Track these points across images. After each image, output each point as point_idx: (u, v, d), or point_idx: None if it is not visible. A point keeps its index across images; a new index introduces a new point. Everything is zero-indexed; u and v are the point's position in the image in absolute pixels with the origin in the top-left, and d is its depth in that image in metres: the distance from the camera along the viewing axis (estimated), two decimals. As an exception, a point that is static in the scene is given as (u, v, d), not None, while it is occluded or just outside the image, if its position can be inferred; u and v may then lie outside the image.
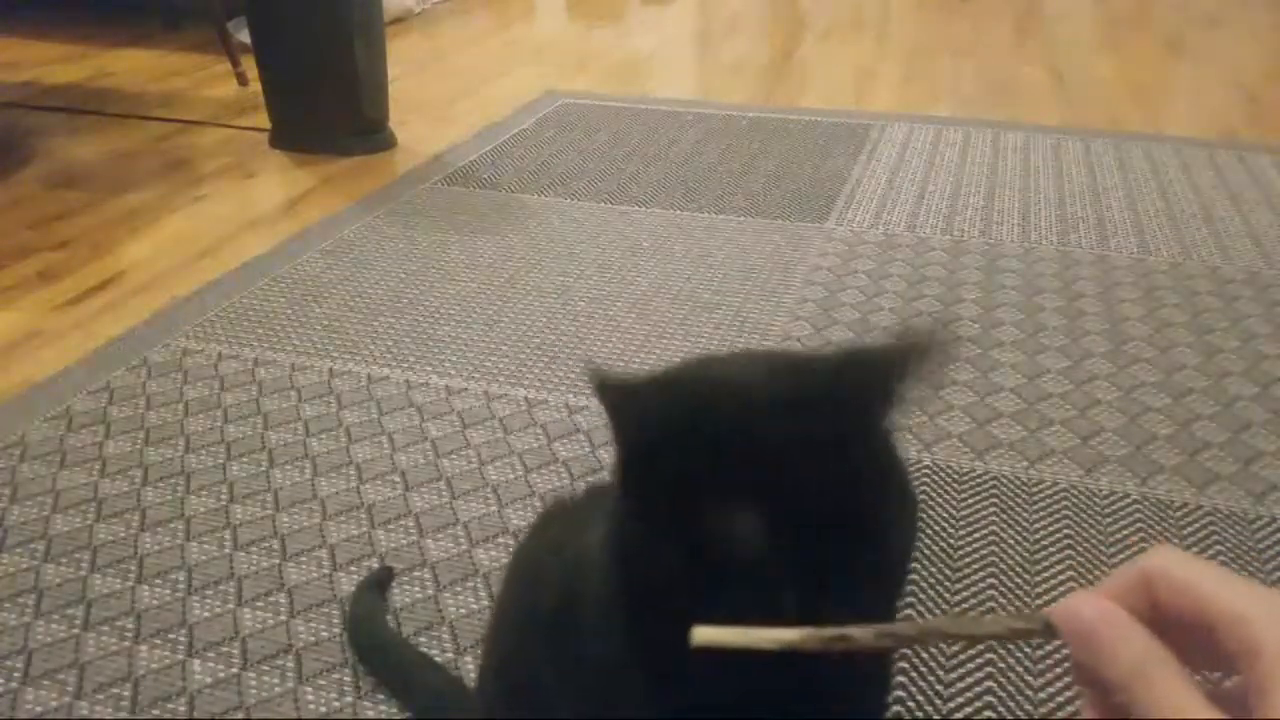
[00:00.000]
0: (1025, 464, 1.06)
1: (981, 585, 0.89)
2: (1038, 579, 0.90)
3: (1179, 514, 0.98)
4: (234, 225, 1.64)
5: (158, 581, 0.89)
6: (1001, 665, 0.81)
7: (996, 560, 0.92)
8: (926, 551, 0.93)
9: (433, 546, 0.93)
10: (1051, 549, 0.93)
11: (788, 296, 1.40)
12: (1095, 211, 1.70)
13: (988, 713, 0.77)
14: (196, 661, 0.80)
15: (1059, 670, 0.81)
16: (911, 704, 0.78)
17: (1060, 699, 0.78)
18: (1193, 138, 2.06)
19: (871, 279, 1.46)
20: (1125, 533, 0.96)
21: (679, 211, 1.68)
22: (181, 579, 0.89)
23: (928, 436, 1.10)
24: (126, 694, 0.77)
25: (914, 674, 0.80)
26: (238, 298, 1.39)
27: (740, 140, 2.02)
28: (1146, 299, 1.41)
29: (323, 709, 0.76)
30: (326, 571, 0.90)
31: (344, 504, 0.98)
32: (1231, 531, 0.96)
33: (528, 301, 1.38)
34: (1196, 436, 1.11)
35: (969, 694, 0.79)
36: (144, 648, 0.82)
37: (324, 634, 0.83)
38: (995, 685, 0.79)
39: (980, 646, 0.82)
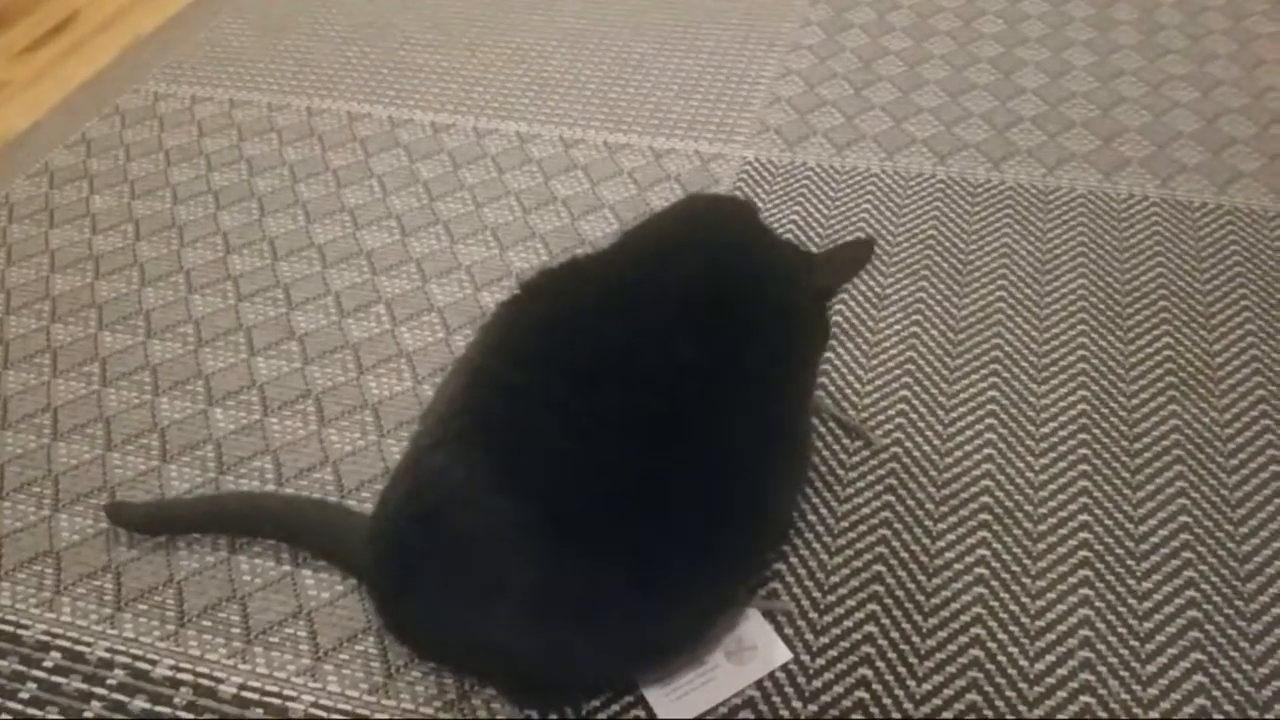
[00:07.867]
0: (1043, 171, 1.02)
1: (990, 298, 0.88)
2: (1047, 289, 0.89)
3: (1197, 214, 0.96)
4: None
5: (168, 335, 0.89)
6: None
7: (1007, 273, 0.91)
8: (936, 268, 0.91)
9: (438, 291, 0.92)
10: (1064, 258, 0.92)
11: None
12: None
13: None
14: (218, 410, 0.82)
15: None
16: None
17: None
18: None
19: (885, -26, 1.34)
20: (1140, 237, 0.94)
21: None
22: (190, 332, 0.89)
23: (943, 149, 1.05)
24: (155, 444, 0.80)
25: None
26: (203, 33, 1.29)
27: None
28: (1184, -19, 1.29)
29: (348, 449, 0.79)
30: (335, 319, 0.90)
31: (342, 251, 0.97)
32: (1249, 230, 0.94)
33: (510, 20, 1.28)
34: (1223, 132, 1.05)
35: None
36: (164, 399, 0.83)
37: (340, 379, 0.84)
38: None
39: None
